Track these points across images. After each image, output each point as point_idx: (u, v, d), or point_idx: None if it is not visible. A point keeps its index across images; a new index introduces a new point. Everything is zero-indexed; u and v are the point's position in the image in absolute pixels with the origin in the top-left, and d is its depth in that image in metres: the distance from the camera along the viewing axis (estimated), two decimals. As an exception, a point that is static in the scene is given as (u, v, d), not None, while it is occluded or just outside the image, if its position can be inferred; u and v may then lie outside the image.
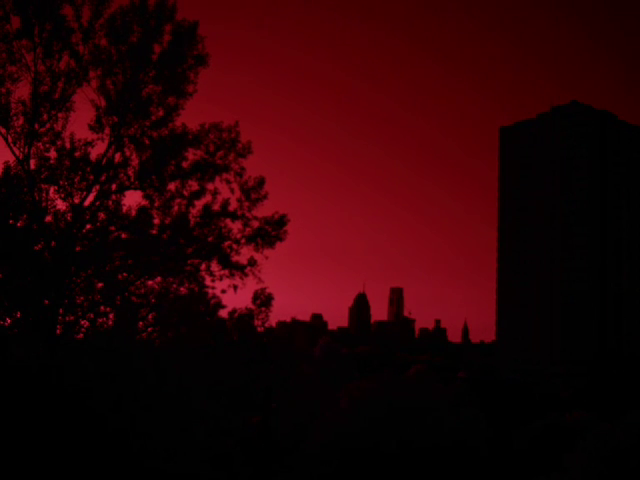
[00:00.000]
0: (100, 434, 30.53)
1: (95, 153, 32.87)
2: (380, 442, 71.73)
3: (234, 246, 34.49)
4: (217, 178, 34.30)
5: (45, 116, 32.46)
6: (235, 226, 34.52)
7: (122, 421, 31.03)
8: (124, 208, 33.26)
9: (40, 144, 32.40)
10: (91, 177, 32.73)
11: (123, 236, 33.53)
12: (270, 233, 34.72)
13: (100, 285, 32.95)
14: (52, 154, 32.54)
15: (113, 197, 33.21)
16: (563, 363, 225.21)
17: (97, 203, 32.97)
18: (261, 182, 34.71)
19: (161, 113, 33.70)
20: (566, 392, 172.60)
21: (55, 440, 30.01)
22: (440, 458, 72.08)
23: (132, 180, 33.42)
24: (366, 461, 71.06)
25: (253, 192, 34.53)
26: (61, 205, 32.38)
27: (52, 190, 32.34)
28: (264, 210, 34.75)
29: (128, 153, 33.46)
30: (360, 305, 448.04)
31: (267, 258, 34.72)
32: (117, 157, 33.33)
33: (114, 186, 33.27)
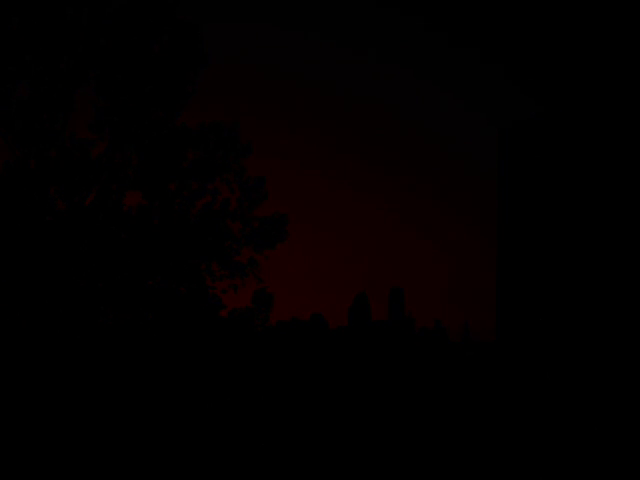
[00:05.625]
0: None
1: (95, 153, 32.98)
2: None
3: (234, 246, 34.53)
4: (217, 178, 34.35)
5: (45, 116, 32.47)
6: (235, 226, 34.59)
7: None
8: (124, 208, 33.32)
9: (40, 144, 32.42)
10: (91, 177, 32.75)
11: (123, 236, 33.55)
12: (270, 233, 34.75)
13: (100, 285, 32.98)
14: (52, 154, 32.58)
15: (113, 197, 33.24)
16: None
17: (97, 203, 32.99)
18: (261, 182, 34.75)
19: (161, 113, 33.71)
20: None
21: None
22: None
23: (132, 180, 33.45)
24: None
25: (253, 192, 34.57)
26: (61, 205, 32.45)
27: (52, 190, 32.39)
28: (264, 210, 34.82)
29: (128, 153, 33.50)
30: (360, 305, 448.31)
31: (267, 258, 34.78)
32: (117, 157, 33.39)
33: (114, 186, 33.30)
